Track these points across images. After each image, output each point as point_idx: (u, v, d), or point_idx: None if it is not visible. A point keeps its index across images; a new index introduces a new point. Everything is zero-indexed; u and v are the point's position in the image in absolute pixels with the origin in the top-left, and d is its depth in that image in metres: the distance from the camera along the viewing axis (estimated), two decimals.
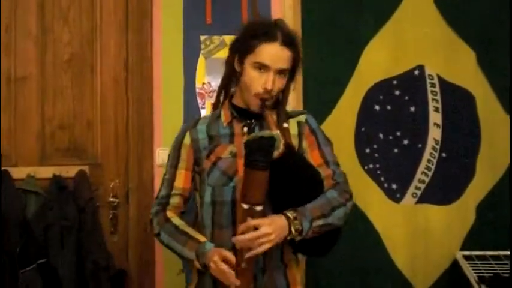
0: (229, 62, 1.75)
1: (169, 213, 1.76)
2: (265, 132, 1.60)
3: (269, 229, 1.52)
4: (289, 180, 1.61)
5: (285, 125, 1.72)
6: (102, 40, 2.47)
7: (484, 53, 2.57)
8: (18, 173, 2.33)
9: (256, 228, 1.52)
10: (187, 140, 1.77)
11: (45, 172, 2.36)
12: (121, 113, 2.49)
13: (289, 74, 1.71)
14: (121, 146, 2.49)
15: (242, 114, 1.74)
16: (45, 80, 2.42)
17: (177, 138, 1.81)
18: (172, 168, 1.79)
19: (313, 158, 1.73)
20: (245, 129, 1.72)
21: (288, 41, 1.67)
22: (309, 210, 1.60)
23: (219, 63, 2.44)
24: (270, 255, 1.65)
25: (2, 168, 2.30)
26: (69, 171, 2.38)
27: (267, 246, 1.53)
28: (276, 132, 1.61)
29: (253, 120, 1.73)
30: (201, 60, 2.52)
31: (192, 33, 2.51)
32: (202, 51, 2.52)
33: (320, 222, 1.61)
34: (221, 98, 1.82)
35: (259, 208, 1.54)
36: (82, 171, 2.39)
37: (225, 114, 1.77)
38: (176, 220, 1.74)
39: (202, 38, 2.52)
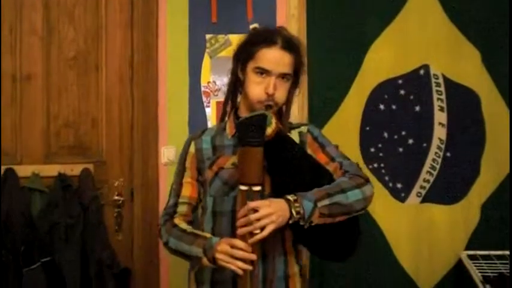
0: (233, 71, 1.76)
1: (176, 220, 1.75)
2: (257, 112, 1.60)
3: (269, 209, 1.50)
4: (287, 158, 1.60)
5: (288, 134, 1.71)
6: (108, 38, 2.47)
7: (489, 52, 2.58)
8: (23, 171, 2.32)
9: (256, 211, 1.51)
10: (192, 149, 1.78)
11: (50, 170, 2.36)
12: (126, 111, 2.49)
13: (293, 80, 1.71)
14: (126, 144, 2.49)
15: None
16: (50, 78, 2.41)
17: (183, 148, 1.82)
18: (178, 177, 1.80)
19: (319, 160, 1.72)
20: None
21: (289, 45, 1.67)
22: (311, 193, 1.56)
23: (224, 61, 2.48)
24: (271, 242, 1.62)
25: (8, 166, 2.30)
26: (74, 169, 2.38)
27: (270, 228, 1.50)
28: (268, 112, 1.60)
29: None
30: (206, 58, 2.52)
31: (197, 32, 2.51)
32: (207, 50, 2.52)
33: (326, 201, 1.55)
34: (227, 109, 1.81)
35: (257, 188, 1.54)
36: (87, 170, 2.39)
37: (229, 127, 1.77)
38: (183, 225, 1.73)
39: (207, 36, 2.52)
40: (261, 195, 1.57)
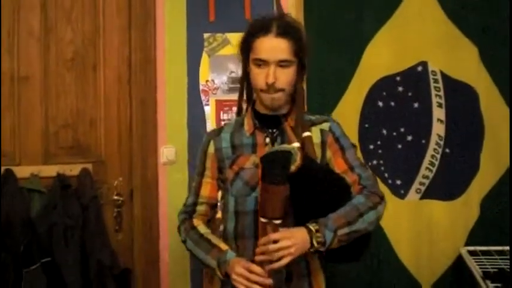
0: (242, 66, 1.75)
1: (195, 221, 1.77)
2: (283, 146, 1.58)
3: (289, 242, 1.51)
4: (310, 191, 1.59)
5: (308, 133, 1.67)
6: (106, 38, 2.46)
7: (486, 48, 2.58)
8: (22, 172, 2.32)
9: (275, 242, 1.52)
10: (211, 148, 1.77)
11: (49, 171, 2.35)
12: (124, 111, 2.49)
13: (297, 67, 1.68)
14: (125, 144, 2.49)
15: (265, 121, 1.72)
16: (48, 79, 2.41)
17: (202, 147, 1.81)
18: (198, 176, 1.80)
19: (338, 165, 1.70)
20: (267, 139, 1.71)
21: (284, 31, 1.64)
22: (332, 220, 1.57)
23: (222, 60, 2.48)
24: (295, 264, 1.62)
25: (6, 167, 2.29)
26: (73, 169, 2.38)
27: (287, 259, 1.51)
28: (294, 145, 1.58)
29: (275, 130, 1.71)
30: (205, 57, 2.52)
31: (195, 31, 2.51)
32: (205, 49, 2.52)
33: (346, 230, 1.57)
34: (242, 104, 1.80)
35: (277, 222, 1.54)
36: (86, 170, 2.38)
37: (248, 124, 1.75)
38: (201, 228, 1.75)
39: (205, 35, 2.52)
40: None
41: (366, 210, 1.62)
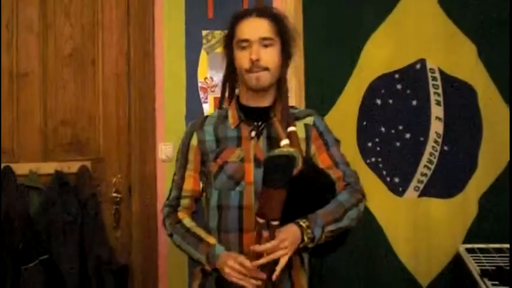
0: (225, 56, 1.75)
1: (180, 214, 1.75)
2: (285, 150, 1.57)
3: (286, 243, 1.51)
4: (305, 192, 1.59)
5: (293, 128, 1.67)
6: (104, 34, 2.46)
7: (485, 46, 2.59)
8: (20, 169, 2.32)
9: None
10: (194, 141, 1.75)
11: (48, 168, 2.36)
12: (123, 108, 2.48)
13: (281, 49, 1.68)
14: (123, 141, 2.49)
15: (250, 114, 1.72)
16: (47, 75, 2.41)
17: (184, 139, 1.79)
18: (181, 170, 1.78)
19: (322, 160, 1.71)
20: (253, 133, 1.70)
21: (265, 12, 1.68)
22: (320, 217, 1.58)
23: (220, 57, 2.44)
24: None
25: (5, 164, 2.30)
26: (71, 166, 2.38)
27: (285, 258, 1.52)
28: (291, 150, 1.57)
29: (260, 123, 1.71)
30: (203, 54, 2.52)
31: (193, 28, 2.51)
32: (204, 46, 2.52)
33: (332, 227, 1.59)
34: (225, 95, 1.79)
35: (275, 223, 1.53)
36: (84, 167, 2.39)
37: (232, 116, 1.73)
38: (187, 221, 1.73)
39: (204, 32, 2.52)
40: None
41: (350, 207, 1.65)
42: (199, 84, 2.52)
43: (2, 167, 2.29)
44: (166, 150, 2.48)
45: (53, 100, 2.42)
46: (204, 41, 2.52)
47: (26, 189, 2.30)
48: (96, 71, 2.46)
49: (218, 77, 2.51)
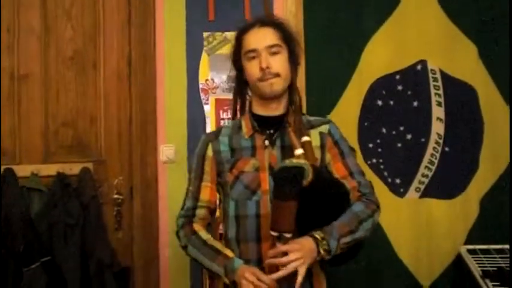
0: (235, 71, 1.76)
1: (196, 226, 1.73)
2: (294, 162, 1.56)
3: (299, 254, 1.51)
4: (318, 204, 1.58)
5: (307, 138, 1.66)
6: (105, 37, 2.47)
7: (485, 46, 2.59)
8: (22, 171, 2.33)
9: (285, 254, 1.51)
10: (209, 151, 1.75)
11: (49, 170, 2.36)
12: (124, 110, 2.49)
13: (288, 55, 1.69)
14: (124, 143, 2.49)
15: (263, 123, 1.72)
16: (48, 77, 2.42)
17: (199, 150, 1.78)
18: (196, 180, 1.77)
19: (337, 170, 1.70)
20: (266, 142, 1.70)
21: (268, 21, 1.70)
22: (336, 229, 1.57)
23: (221, 59, 2.48)
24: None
25: (7, 166, 2.30)
26: (73, 168, 2.38)
27: (303, 269, 1.50)
28: (301, 161, 1.57)
29: (272, 131, 1.71)
30: (204, 56, 2.52)
31: (194, 30, 2.51)
32: (205, 48, 2.52)
33: (347, 239, 1.58)
34: (237, 107, 1.80)
35: (288, 235, 1.53)
36: (86, 169, 2.39)
37: (246, 126, 1.73)
38: (203, 234, 1.72)
39: (205, 34, 2.52)
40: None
41: (365, 218, 1.64)
42: (200, 86, 2.52)
43: (3, 169, 2.29)
44: (167, 151, 2.49)
45: (55, 102, 2.43)
46: (205, 42, 2.53)
47: (28, 191, 2.30)
48: (98, 73, 2.47)
49: (219, 79, 2.51)
